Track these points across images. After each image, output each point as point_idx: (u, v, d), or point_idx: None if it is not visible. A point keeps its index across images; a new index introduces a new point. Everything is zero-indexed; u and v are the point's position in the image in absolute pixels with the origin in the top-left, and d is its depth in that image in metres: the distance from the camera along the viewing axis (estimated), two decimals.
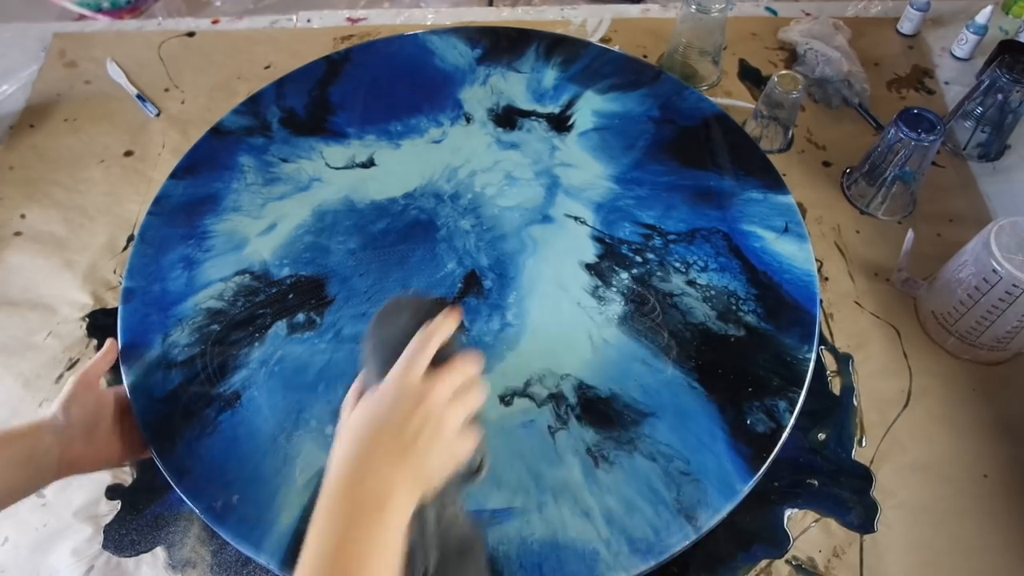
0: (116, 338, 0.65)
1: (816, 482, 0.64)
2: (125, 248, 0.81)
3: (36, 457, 0.53)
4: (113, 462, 0.60)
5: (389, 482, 0.40)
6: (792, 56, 0.99)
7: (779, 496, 0.64)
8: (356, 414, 0.44)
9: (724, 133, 0.80)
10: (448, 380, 0.44)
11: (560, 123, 0.81)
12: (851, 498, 0.64)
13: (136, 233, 0.76)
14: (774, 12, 1.06)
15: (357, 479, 0.41)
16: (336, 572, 0.37)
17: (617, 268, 0.69)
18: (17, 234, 0.83)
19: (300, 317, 0.66)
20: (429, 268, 0.70)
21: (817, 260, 0.77)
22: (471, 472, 0.46)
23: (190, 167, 0.78)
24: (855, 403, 0.69)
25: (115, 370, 0.69)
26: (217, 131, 0.81)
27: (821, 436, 0.67)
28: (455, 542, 0.43)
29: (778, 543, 0.62)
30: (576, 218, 0.73)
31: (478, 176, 0.77)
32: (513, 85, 0.85)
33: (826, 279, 0.77)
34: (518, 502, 0.56)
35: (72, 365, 0.73)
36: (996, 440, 0.67)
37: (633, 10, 1.08)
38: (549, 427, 0.60)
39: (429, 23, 1.05)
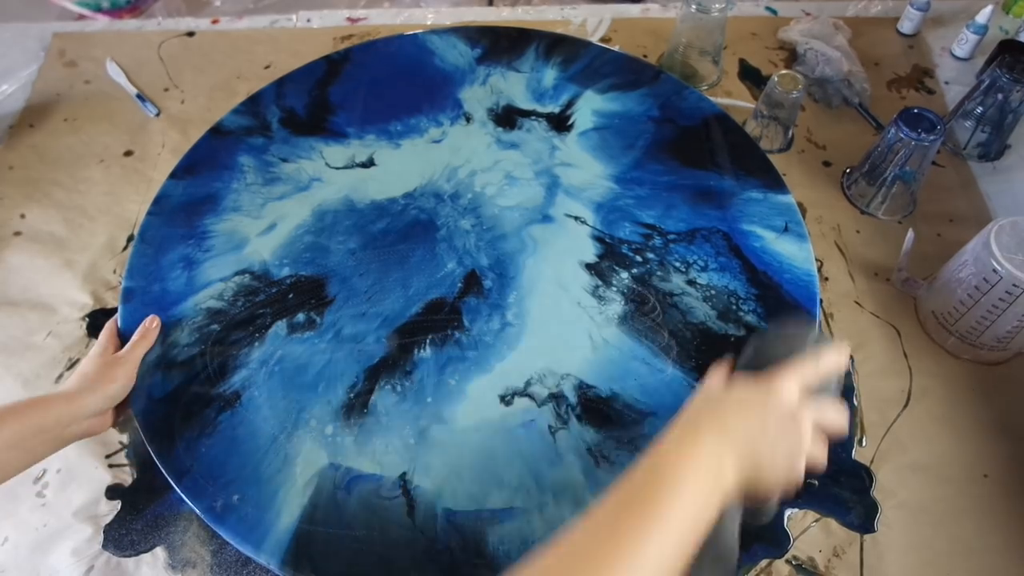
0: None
1: (816, 482, 0.64)
2: (125, 248, 0.81)
3: (47, 429, 0.54)
4: (95, 431, 0.60)
5: (719, 451, 0.42)
6: (792, 56, 0.99)
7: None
8: (733, 386, 0.45)
9: (724, 133, 0.80)
10: (824, 416, 0.46)
11: (560, 123, 0.81)
12: (851, 498, 0.64)
13: (136, 233, 0.76)
14: (774, 12, 1.06)
15: (694, 436, 0.42)
16: (649, 486, 0.39)
17: (617, 268, 0.69)
18: (17, 234, 0.83)
19: (300, 317, 0.66)
20: (429, 268, 0.70)
21: (817, 260, 0.77)
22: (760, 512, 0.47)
23: (190, 167, 0.78)
24: (855, 403, 0.69)
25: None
26: (217, 131, 0.81)
27: None
28: (724, 549, 0.44)
29: (778, 543, 0.62)
30: (576, 218, 0.73)
31: (478, 176, 0.77)
32: (513, 85, 0.85)
33: (826, 279, 0.77)
34: (519, 502, 0.56)
35: (72, 365, 0.73)
36: (996, 440, 0.67)
37: (633, 10, 1.08)
38: (549, 427, 0.60)
39: (429, 23, 1.05)
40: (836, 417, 0.47)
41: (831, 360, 0.48)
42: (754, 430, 0.43)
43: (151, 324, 0.65)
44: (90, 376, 0.59)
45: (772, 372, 0.46)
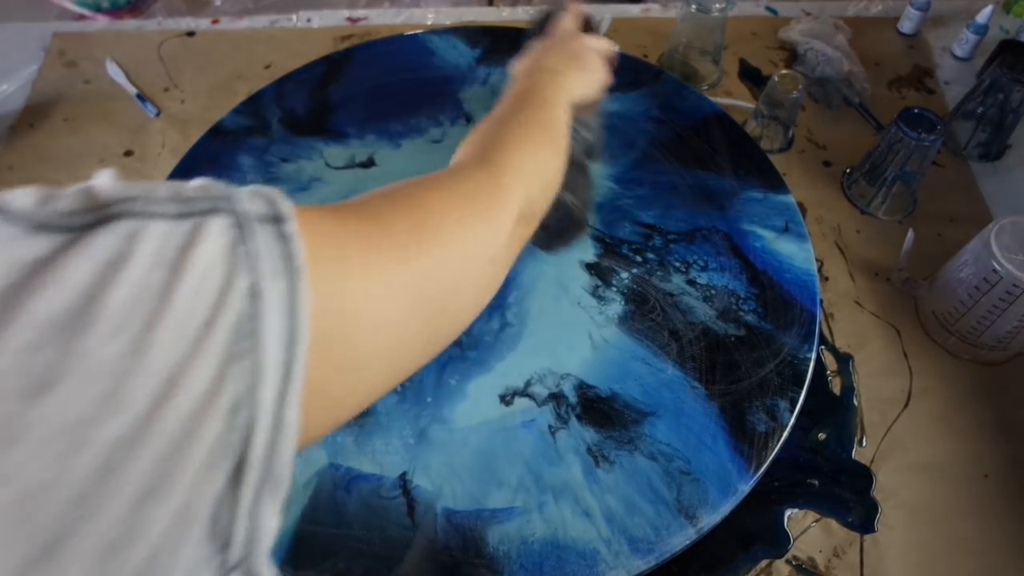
0: None
1: (816, 482, 0.64)
2: None
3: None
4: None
5: (564, 70, 0.53)
6: (792, 56, 0.99)
7: (779, 496, 0.64)
8: (532, 51, 0.57)
9: (724, 133, 0.80)
10: (594, 42, 0.58)
11: None
12: (851, 498, 0.64)
13: None
14: (774, 12, 1.06)
15: (539, 67, 0.53)
16: (527, 102, 0.48)
17: (617, 268, 0.69)
18: None
19: None
20: None
21: (817, 260, 0.77)
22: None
23: (190, 167, 0.78)
24: (855, 403, 0.69)
25: None
26: (217, 131, 0.81)
27: (821, 436, 0.67)
28: (578, 155, 0.56)
29: (778, 543, 0.62)
30: None
31: None
32: None
33: (826, 279, 0.77)
34: (518, 502, 0.56)
35: None
36: (997, 440, 0.67)
37: (633, 10, 1.08)
38: (549, 427, 0.60)
39: (429, 23, 1.05)
40: (601, 42, 0.59)
41: (576, 8, 0.61)
42: (564, 53, 0.55)
43: None
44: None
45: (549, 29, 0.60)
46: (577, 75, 0.54)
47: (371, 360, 0.30)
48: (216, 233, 0.22)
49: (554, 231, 0.59)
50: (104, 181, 0.24)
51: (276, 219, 0.24)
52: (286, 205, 0.25)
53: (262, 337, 0.22)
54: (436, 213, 0.35)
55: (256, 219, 0.24)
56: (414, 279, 0.32)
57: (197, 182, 0.25)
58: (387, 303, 0.30)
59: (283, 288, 0.23)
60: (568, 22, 0.60)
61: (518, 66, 0.56)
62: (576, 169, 0.56)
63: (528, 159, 0.43)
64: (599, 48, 0.58)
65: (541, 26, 0.61)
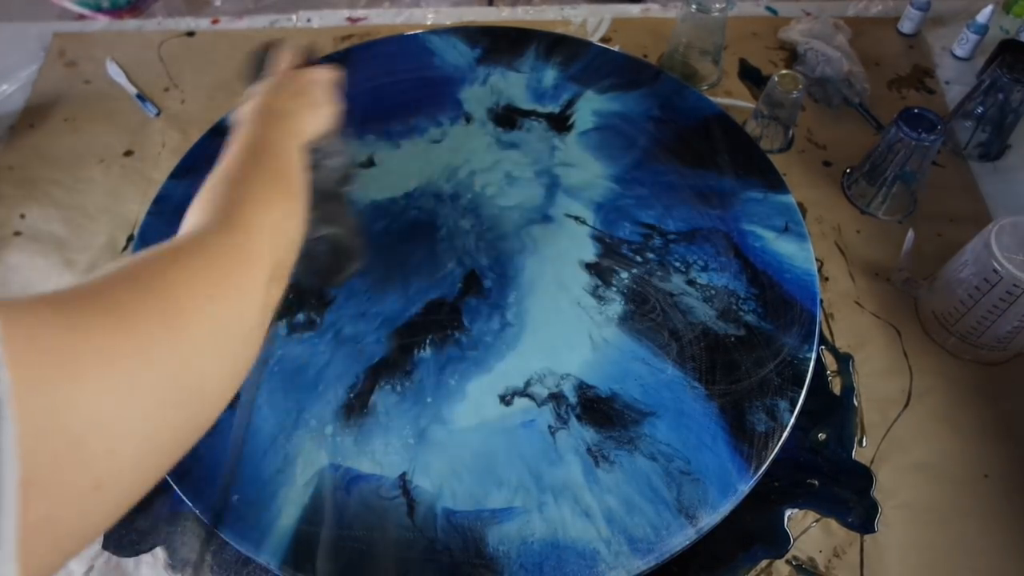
0: None
1: (816, 482, 0.64)
2: (125, 248, 0.81)
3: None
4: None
5: (292, 110, 0.50)
6: (792, 56, 0.99)
7: (779, 496, 0.64)
8: (254, 95, 0.53)
9: (724, 133, 0.80)
10: (308, 71, 0.56)
11: (560, 123, 0.81)
12: (851, 498, 0.64)
13: (136, 233, 0.76)
14: (774, 12, 1.06)
15: (264, 112, 0.50)
16: (257, 153, 0.45)
17: (617, 268, 0.69)
18: (17, 234, 0.83)
19: (300, 317, 0.66)
20: (429, 268, 0.70)
21: (817, 260, 0.77)
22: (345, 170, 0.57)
23: (190, 167, 0.78)
24: (855, 403, 0.69)
25: None
26: (217, 131, 0.81)
27: (821, 436, 0.67)
28: (329, 185, 0.55)
29: (778, 543, 0.62)
30: (576, 218, 0.73)
31: (478, 176, 0.77)
32: (513, 85, 0.85)
33: (826, 279, 0.77)
34: (518, 502, 0.56)
35: None
36: (997, 440, 0.67)
37: (633, 10, 1.08)
38: (549, 427, 0.60)
39: (429, 23, 1.05)
40: (324, 71, 0.56)
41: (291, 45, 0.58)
42: (288, 96, 0.52)
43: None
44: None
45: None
46: (306, 113, 0.52)
47: (113, 478, 0.26)
48: None
49: (328, 268, 0.57)
50: None
51: None
52: None
53: None
54: (183, 294, 0.31)
55: None
56: (162, 377, 0.28)
57: None
58: (130, 410, 0.26)
59: None
60: (286, 58, 0.57)
61: (241, 112, 0.52)
62: (331, 200, 0.54)
63: (269, 215, 0.40)
64: (324, 79, 0.55)
65: (259, 66, 0.57)
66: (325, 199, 0.53)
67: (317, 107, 0.53)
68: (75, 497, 0.24)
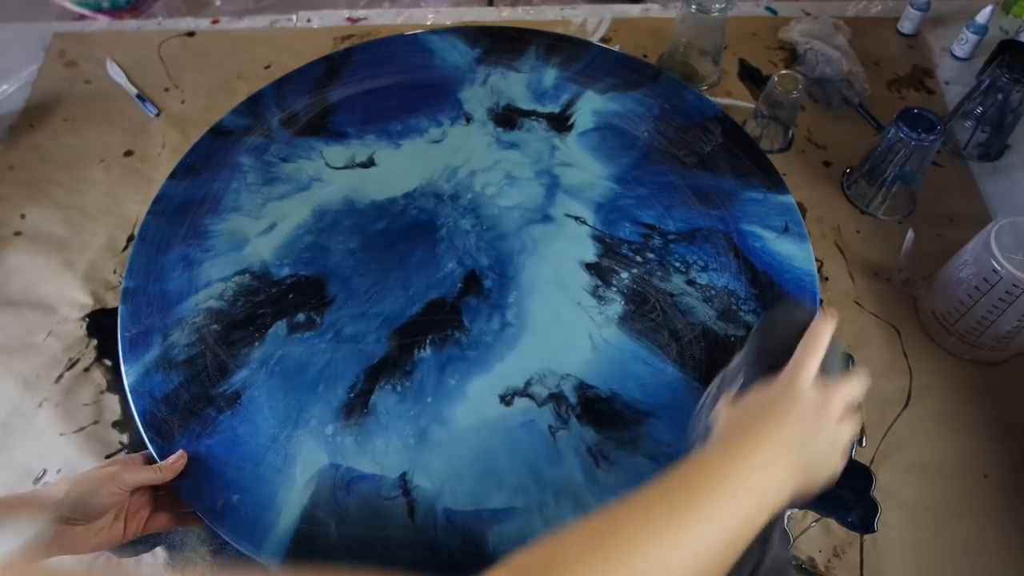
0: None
1: None
2: (125, 248, 0.81)
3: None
4: (108, 547, 0.54)
5: (775, 461, 0.40)
6: (792, 56, 0.99)
7: None
8: (747, 403, 0.43)
9: (724, 133, 0.80)
10: (844, 395, 0.44)
11: (560, 123, 0.81)
12: (851, 498, 0.64)
13: (136, 233, 0.76)
14: (774, 12, 1.06)
15: (746, 444, 0.40)
16: (689, 494, 0.37)
17: (617, 268, 0.69)
18: (17, 234, 0.83)
19: (300, 317, 0.67)
20: (429, 268, 0.70)
21: (817, 260, 0.77)
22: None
23: (190, 167, 0.78)
24: None
25: (115, 371, 0.70)
26: (217, 131, 0.81)
27: None
28: (778, 561, 0.44)
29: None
30: (576, 218, 0.73)
31: (478, 176, 0.77)
32: (513, 85, 0.85)
33: (826, 279, 0.77)
34: (518, 502, 0.56)
35: (72, 365, 0.73)
36: (997, 440, 0.67)
37: (633, 10, 1.08)
38: (549, 427, 0.60)
39: (429, 23, 1.05)
40: (855, 387, 0.46)
41: (826, 333, 0.46)
42: (799, 435, 0.42)
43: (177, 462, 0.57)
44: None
45: (784, 370, 0.45)
46: (804, 466, 0.41)
47: None
48: None
49: None
50: None
51: None
52: None
53: None
54: None
55: None
56: None
57: None
58: None
59: None
60: (822, 340, 0.44)
61: (723, 411, 0.43)
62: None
63: None
64: (854, 400, 0.44)
65: (772, 336, 0.45)
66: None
67: (825, 461, 0.44)
68: None
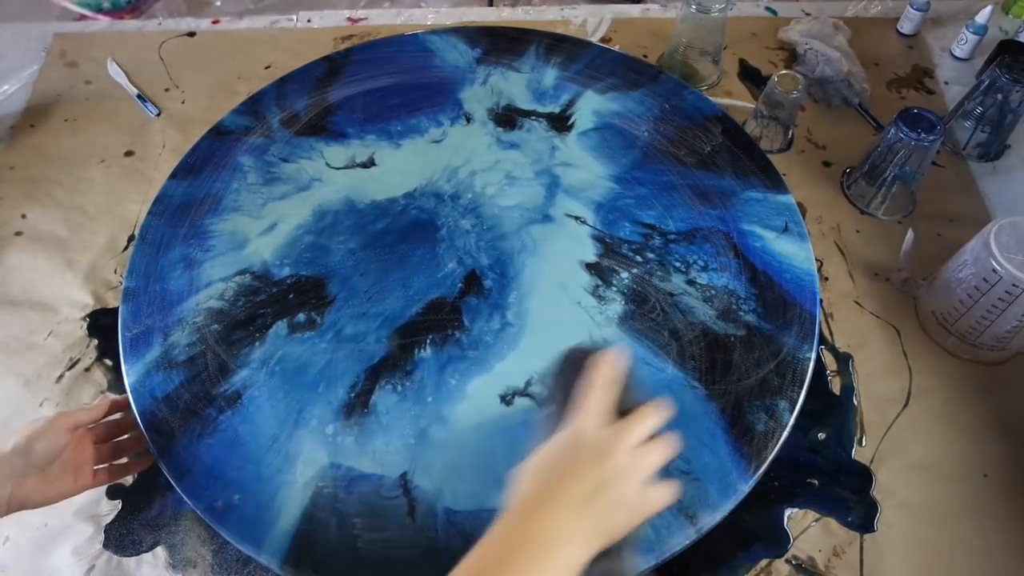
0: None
1: (816, 482, 0.64)
2: (126, 248, 0.81)
3: None
4: (67, 495, 0.55)
5: (565, 531, 0.39)
6: (792, 56, 0.99)
7: (779, 496, 0.64)
8: (538, 460, 0.42)
9: (724, 133, 0.80)
10: (634, 432, 0.42)
11: (560, 123, 0.81)
12: (851, 498, 0.64)
13: (136, 233, 0.76)
14: (774, 12, 1.06)
15: (532, 517, 0.39)
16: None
17: (617, 267, 0.69)
18: (18, 234, 0.83)
19: (300, 317, 0.67)
20: (429, 268, 0.70)
21: (817, 260, 0.77)
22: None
23: (190, 167, 0.78)
24: (855, 403, 0.69)
25: (116, 371, 0.70)
26: (217, 131, 0.81)
27: (821, 436, 0.67)
28: None
29: (778, 543, 0.62)
30: (576, 218, 0.73)
31: (478, 176, 0.77)
32: (513, 85, 0.85)
33: (826, 279, 0.77)
34: None
35: (73, 365, 0.73)
36: (996, 440, 0.67)
37: (633, 10, 1.08)
38: None
39: (429, 23, 1.05)
40: (650, 418, 0.43)
41: (606, 368, 0.44)
42: (590, 485, 0.40)
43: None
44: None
45: (570, 417, 0.43)
46: (602, 515, 0.40)
47: None
48: None
49: None
50: None
51: None
52: None
53: None
54: None
55: None
56: None
57: None
58: None
59: None
60: (602, 377, 0.43)
61: (522, 469, 0.42)
62: None
63: None
64: (654, 462, 0.42)
65: (560, 386, 0.44)
66: None
67: (626, 510, 0.41)
68: None
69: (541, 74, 0.86)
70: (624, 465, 0.41)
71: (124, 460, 0.60)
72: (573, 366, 0.45)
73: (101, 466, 0.58)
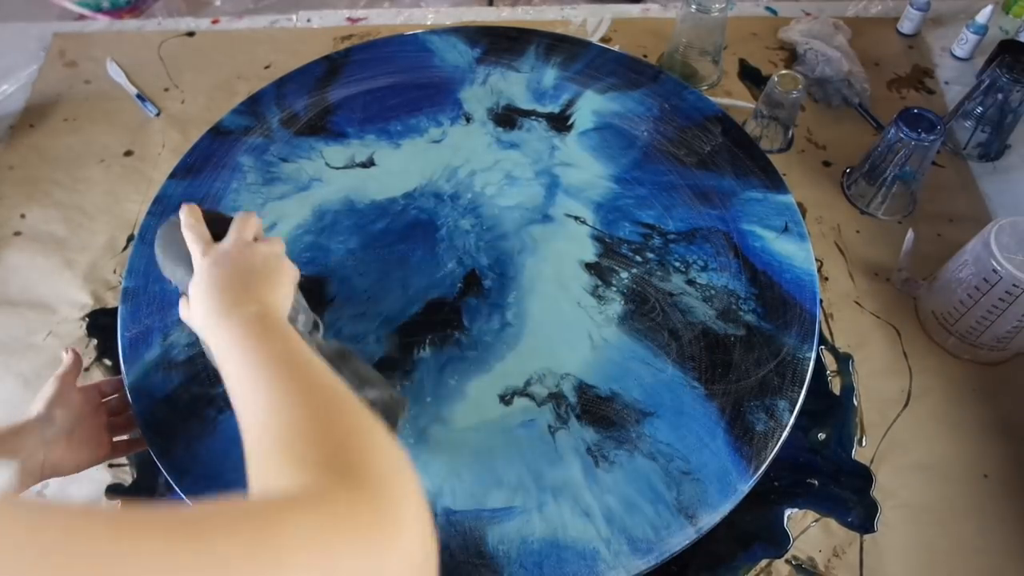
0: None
1: (816, 482, 0.64)
2: (125, 248, 0.81)
3: (20, 461, 0.51)
4: (91, 462, 0.57)
5: (262, 299, 0.47)
6: (792, 56, 0.99)
7: (779, 496, 0.64)
8: (207, 272, 0.49)
9: (724, 133, 0.80)
10: (242, 230, 0.52)
11: (560, 123, 0.81)
12: (851, 498, 0.64)
13: (136, 233, 0.76)
14: (774, 12, 1.06)
15: (235, 303, 0.46)
16: (299, 379, 0.40)
17: (617, 267, 0.69)
18: (17, 234, 0.83)
19: None
20: (429, 268, 0.70)
21: (817, 260, 0.77)
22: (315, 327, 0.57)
23: (190, 167, 0.78)
24: (855, 403, 0.69)
25: (115, 371, 0.70)
26: (217, 131, 0.81)
27: (821, 436, 0.67)
28: (329, 353, 0.54)
29: (778, 543, 0.62)
30: (576, 217, 0.73)
31: (478, 176, 0.77)
32: (513, 85, 0.85)
33: (826, 279, 0.77)
34: (518, 501, 0.56)
35: None
36: (996, 440, 0.67)
37: (633, 10, 1.08)
38: (549, 426, 0.60)
39: (429, 23, 1.05)
40: (274, 243, 0.53)
41: (188, 218, 0.53)
42: (247, 281, 0.49)
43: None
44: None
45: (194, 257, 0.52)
46: (272, 292, 0.48)
47: None
48: None
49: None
50: None
51: None
52: None
53: None
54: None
55: None
56: None
57: None
58: None
59: None
60: (195, 228, 0.52)
61: (195, 316, 0.48)
62: (344, 360, 0.54)
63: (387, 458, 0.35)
64: (273, 251, 0.52)
65: (172, 255, 0.53)
66: (338, 361, 0.51)
67: (280, 284, 0.50)
68: None
69: (541, 74, 0.86)
70: (271, 252, 0.51)
71: (139, 432, 0.61)
72: (166, 236, 0.55)
73: (120, 438, 0.60)
